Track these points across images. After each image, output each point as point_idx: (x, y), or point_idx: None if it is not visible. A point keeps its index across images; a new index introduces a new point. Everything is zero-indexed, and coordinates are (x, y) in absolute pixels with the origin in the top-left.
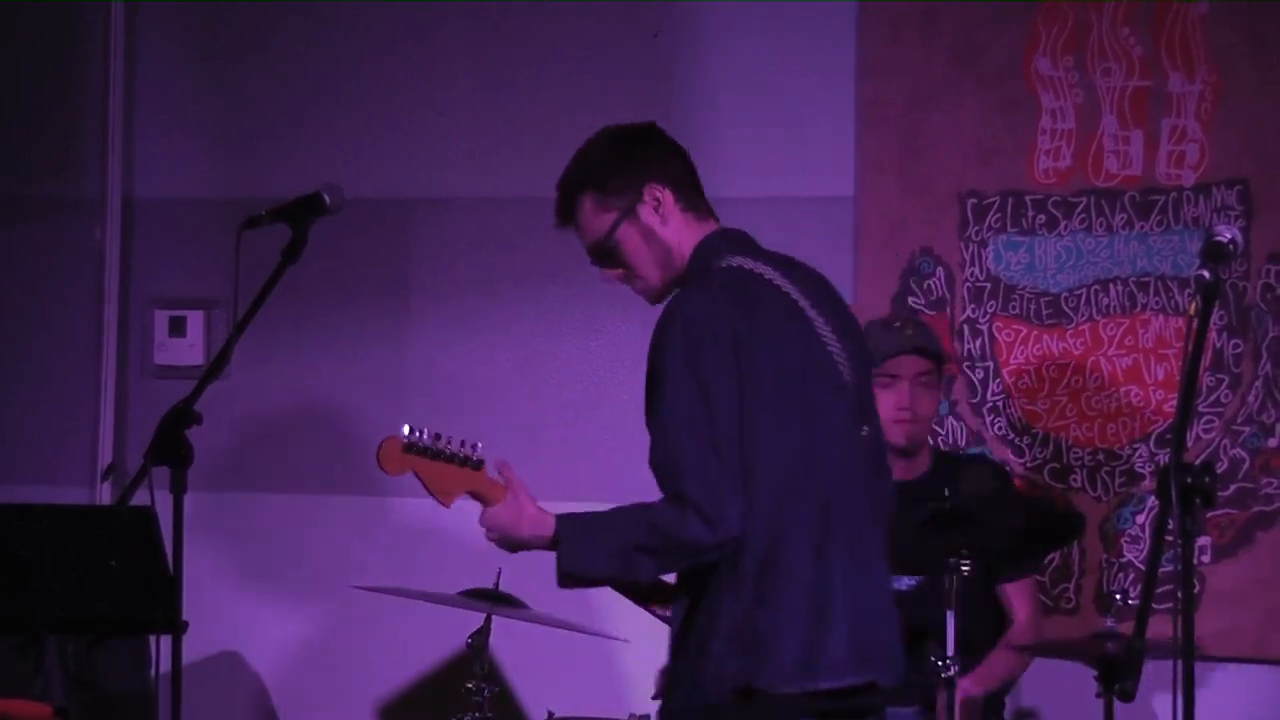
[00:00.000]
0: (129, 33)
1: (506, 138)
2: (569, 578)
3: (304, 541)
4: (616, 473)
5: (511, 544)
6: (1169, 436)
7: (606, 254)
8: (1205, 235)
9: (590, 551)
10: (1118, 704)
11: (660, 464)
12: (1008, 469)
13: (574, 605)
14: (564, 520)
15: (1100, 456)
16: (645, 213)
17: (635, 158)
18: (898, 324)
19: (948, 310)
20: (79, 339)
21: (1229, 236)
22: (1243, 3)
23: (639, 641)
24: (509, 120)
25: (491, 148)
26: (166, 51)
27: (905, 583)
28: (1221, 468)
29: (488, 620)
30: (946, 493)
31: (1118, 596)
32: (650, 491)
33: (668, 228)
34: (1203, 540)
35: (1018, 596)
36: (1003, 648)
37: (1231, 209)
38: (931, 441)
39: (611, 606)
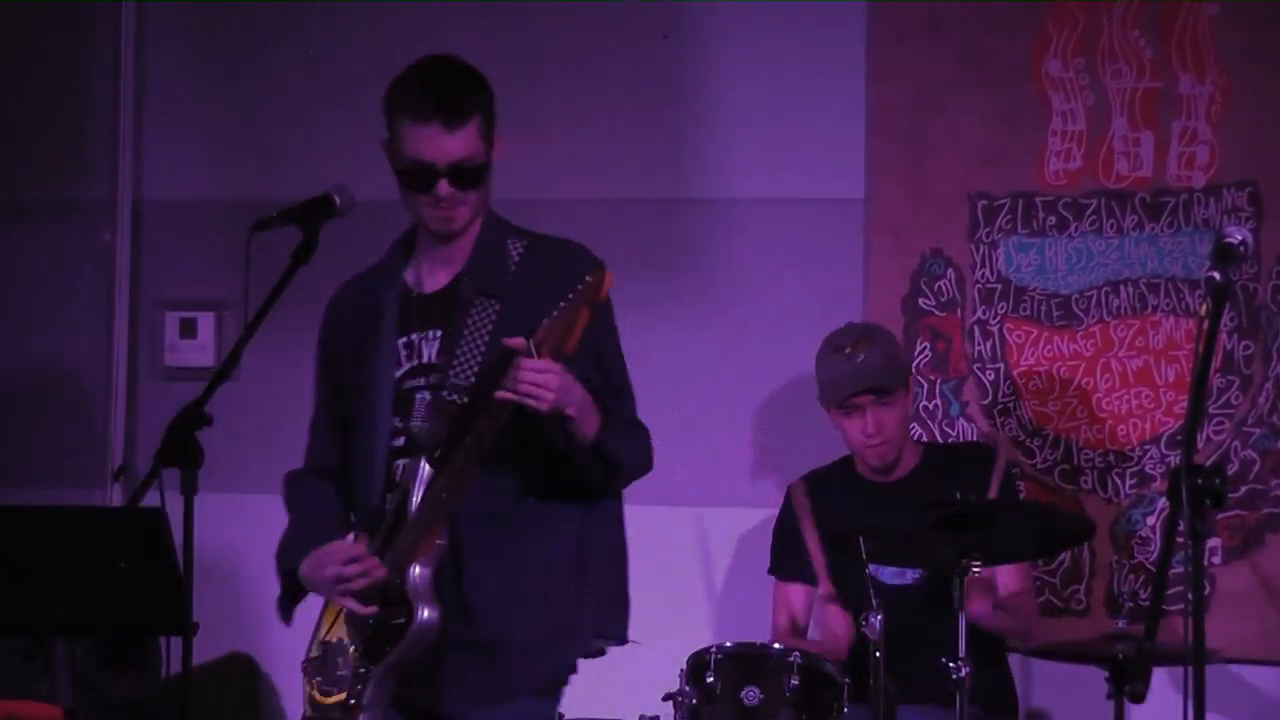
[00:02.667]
0: (138, 36)
1: (513, 140)
2: (606, 453)
3: None
4: None
5: (568, 403)
6: (1179, 438)
7: (473, 174)
8: (1215, 237)
9: (628, 443)
10: (1129, 705)
11: (629, 403)
12: (1016, 470)
13: None
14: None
15: (1111, 458)
16: (493, 157)
17: (495, 105)
18: (848, 348)
19: (958, 312)
20: (90, 341)
21: (1239, 238)
22: (1252, 4)
23: (649, 644)
24: (515, 122)
25: (497, 149)
26: (175, 54)
27: (910, 576)
28: (1232, 469)
29: None
30: (958, 493)
31: (1128, 598)
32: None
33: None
34: (1213, 542)
35: (1008, 575)
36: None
37: (1242, 210)
38: (921, 437)
39: None
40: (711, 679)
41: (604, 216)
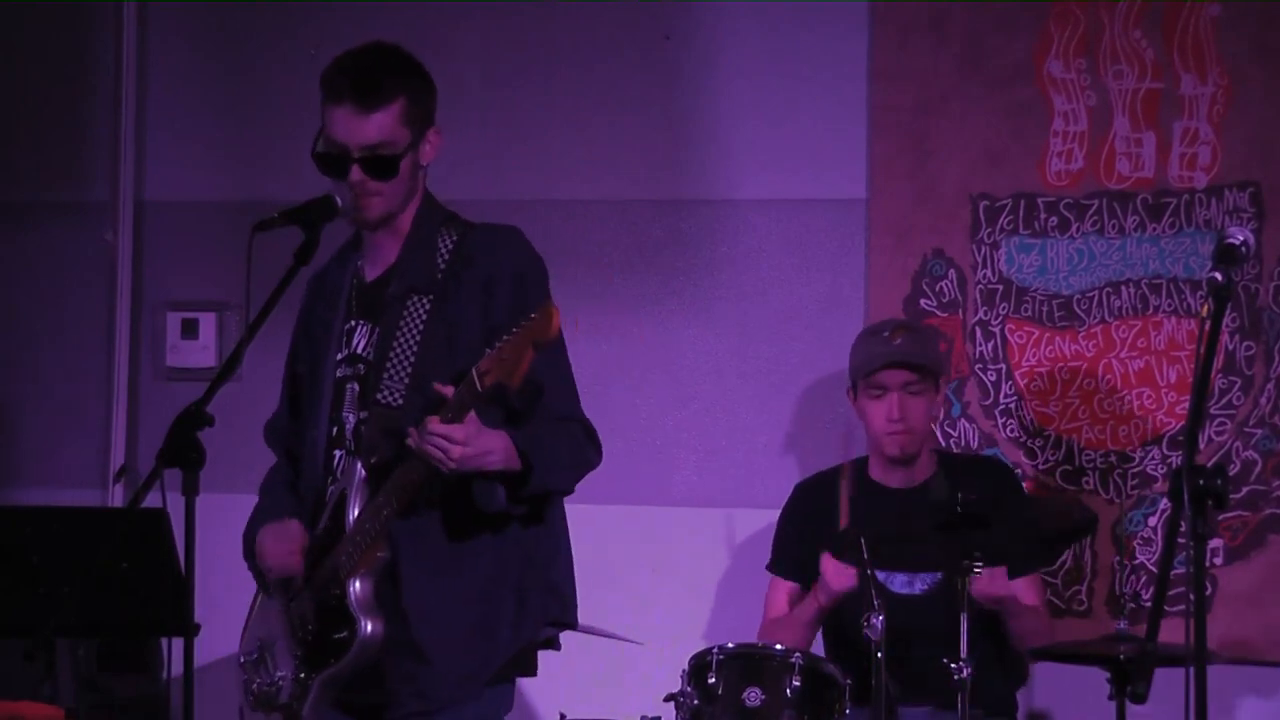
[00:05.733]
0: (140, 37)
1: (516, 140)
2: (532, 498)
3: None
4: (627, 474)
5: (475, 461)
6: (1181, 439)
7: (386, 163)
8: (1217, 237)
9: (557, 469)
10: (1130, 706)
11: (567, 397)
12: (1018, 472)
13: (587, 607)
14: (519, 438)
15: (1112, 459)
16: (425, 147)
17: (434, 97)
18: (886, 333)
19: (960, 313)
20: (91, 342)
21: (1241, 239)
22: (1254, 4)
23: (652, 644)
24: (519, 123)
25: (501, 150)
26: (176, 55)
27: (919, 586)
28: (1233, 470)
29: None
30: (959, 496)
31: (1130, 599)
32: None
33: (423, 171)
34: (1215, 543)
35: (1024, 590)
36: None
37: (1243, 211)
38: (942, 443)
39: (624, 608)
40: (713, 680)
41: (604, 216)
